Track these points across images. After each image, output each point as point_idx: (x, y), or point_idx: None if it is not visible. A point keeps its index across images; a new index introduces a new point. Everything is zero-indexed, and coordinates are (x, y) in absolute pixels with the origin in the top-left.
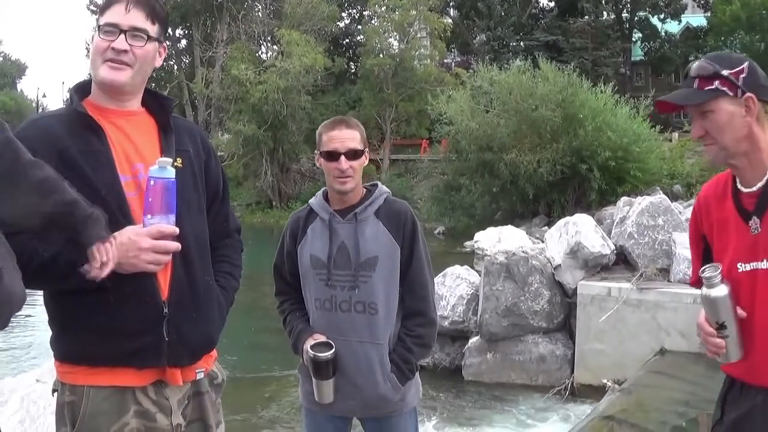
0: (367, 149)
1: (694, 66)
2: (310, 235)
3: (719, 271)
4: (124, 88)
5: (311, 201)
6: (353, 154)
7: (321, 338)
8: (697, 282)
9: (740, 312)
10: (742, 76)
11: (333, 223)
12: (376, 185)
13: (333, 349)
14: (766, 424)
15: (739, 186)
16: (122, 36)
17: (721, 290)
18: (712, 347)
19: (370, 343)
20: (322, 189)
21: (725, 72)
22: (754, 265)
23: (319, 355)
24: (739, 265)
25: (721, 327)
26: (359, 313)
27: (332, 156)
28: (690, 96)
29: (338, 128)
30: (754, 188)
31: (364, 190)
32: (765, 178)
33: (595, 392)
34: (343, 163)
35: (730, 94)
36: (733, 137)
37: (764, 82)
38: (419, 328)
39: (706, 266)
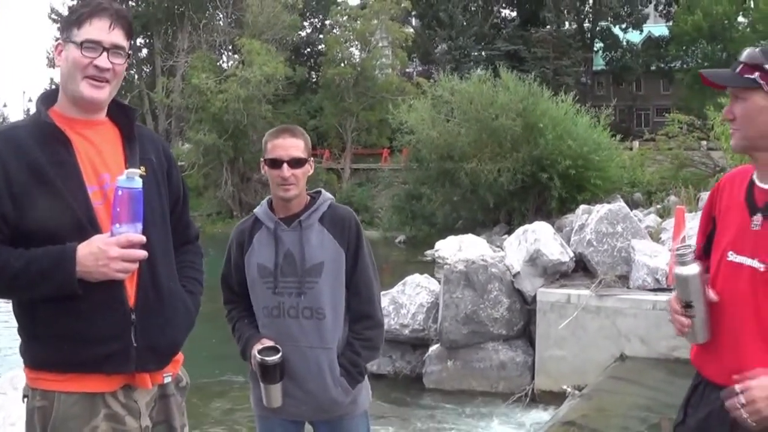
0: (311, 160)
1: (746, 51)
2: (256, 245)
3: (692, 249)
4: (102, 105)
5: (256, 210)
6: (296, 162)
7: (269, 343)
8: (700, 257)
9: (711, 295)
10: None
11: (278, 231)
12: (320, 192)
13: (280, 353)
14: (721, 431)
15: (755, 179)
16: (105, 54)
17: (692, 269)
18: (678, 325)
19: (320, 347)
20: (267, 198)
21: None
22: (742, 259)
23: (267, 359)
24: (730, 253)
25: (687, 306)
26: (307, 319)
27: (275, 164)
28: (725, 77)
29: (282, 136)
30: (766, 186)
31: (309, 197)
32: None
33: (556, 398)
34: (286, 171)
35: (766, 89)
36: (757, 130)
37: None
38: (367, 331)
39: (681, 245)
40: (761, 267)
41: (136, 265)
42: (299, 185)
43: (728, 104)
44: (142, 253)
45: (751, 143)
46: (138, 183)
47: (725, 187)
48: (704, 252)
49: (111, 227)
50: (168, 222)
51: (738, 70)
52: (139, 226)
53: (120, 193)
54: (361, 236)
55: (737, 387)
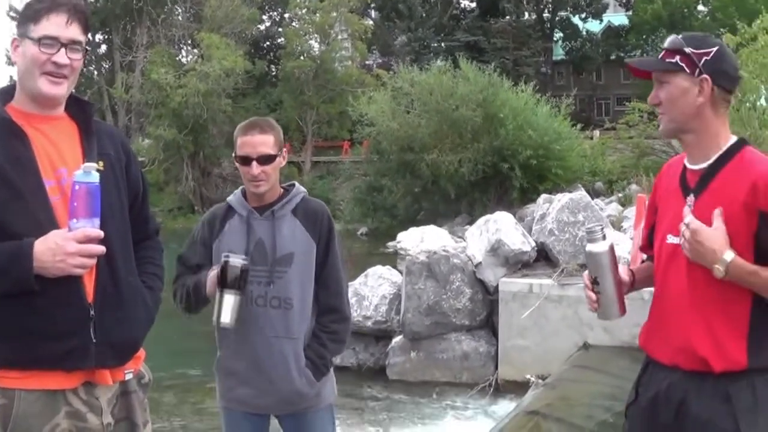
0: (283, 151)
1: (669, 38)
2: (227, 231)
3: (602, 227)
4: (60, 100)
5: (229, 198)
6: (265, 159)
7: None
8: (643, 248)
9: (622, 274)
10: (706, 58)
11: (250, 219)
12: (294, 185)
13: (246, 260)
14: (667, 411)
15: (686, 162)
16: (63, 50)
17: (600, 246)
18: (587, 300)
19: (285, 338)
20: (241, 187)
21: (689, 50)
22: (678, 240)
23: (232, 259)
24: (669, 236)
25: (595, 282)
26: (275, 308)
27: (245, 161)
28: (649, 63)
29: (250, 133)
30: (697, 167)
31: (282, 189)
32: (709, 161)
33: (520, 388)
34: (255, 168)
35: (687, 71)
36: (682, 112)
37: (728, 71)
38: (334, 324)
39: (592, 224)
40: None
41: (93, 261)
42: (270, 180)
43: (652, 92)
44: (100, 249)
45: (678, 125)
46: (95, 177)
47: (663, 176)
48: (649, 242)
49: (68, 222)
50: (127, 217)
51: (661, 56)
52: (97, 221)
53: (77, 187)
54: (333, 230)
55: (688, 221)
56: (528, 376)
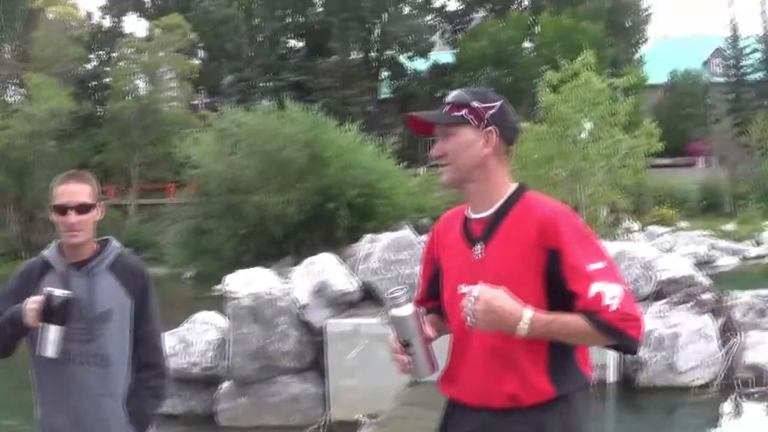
0: (100, 203)
1: (452, 93)
2: (44, 287)
3: (404, 291)
4: None
5: (45, 253)
6: (83, 209)
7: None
8: (422, 301)
9: (427, 332)
10: (491, 111)
11: (68, 275)
12: (109, 240)
13: (70, 294)
14: None
15: (468, 213)
16: None
17: (406, 310)
18: (399, 364)
19: (106, 395)
20: (57, 241)
21: (475, 104)
22: (471, 288)
23: (56, 291)
24: (459, 287)
25: (407, 344)
26: (94, 366)
27: (62, 210)
28: (436, 117)
29: (68, 183)
30: (481, 215)
31: (98, 244)
32: (492, 209)
33: (351, 428)
34: (72, 217)
35: (474, 124)
36: (467, 163)
37: (511, 124)
38: (153, 380)
39: (394, 288)
40: None
41: None
42: (87, 231)
43: (436, 145)
44: None
45: (463, 175)
46: None
47: (440, 230)
48: (429, 295)
49: None
50: None
51: (447, 110)
52: None
53: None
54: (150, 286)
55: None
56: (359, 416)
